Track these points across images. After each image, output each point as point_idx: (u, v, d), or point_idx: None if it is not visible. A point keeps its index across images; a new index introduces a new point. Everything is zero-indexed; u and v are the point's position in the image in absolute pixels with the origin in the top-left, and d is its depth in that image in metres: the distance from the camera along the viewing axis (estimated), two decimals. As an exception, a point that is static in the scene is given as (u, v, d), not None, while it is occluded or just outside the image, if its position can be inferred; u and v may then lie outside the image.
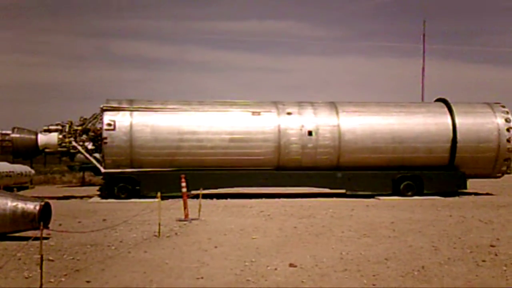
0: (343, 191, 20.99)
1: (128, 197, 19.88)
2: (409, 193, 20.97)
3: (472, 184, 22.37)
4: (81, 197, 20.81)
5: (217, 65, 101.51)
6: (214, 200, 19.22)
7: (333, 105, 21.53)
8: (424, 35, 56.99)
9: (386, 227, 13.75)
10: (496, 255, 10.57)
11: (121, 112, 20.28)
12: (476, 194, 22.26)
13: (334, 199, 20.18)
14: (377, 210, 17.29)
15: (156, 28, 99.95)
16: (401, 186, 21.06)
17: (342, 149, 20.81)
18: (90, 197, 20.79)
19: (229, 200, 19.54)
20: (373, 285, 8.50)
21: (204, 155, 20.29)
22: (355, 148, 20.90)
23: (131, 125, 20.09)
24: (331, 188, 21.06)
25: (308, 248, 11.07)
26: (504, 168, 22.33)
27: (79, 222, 14.58)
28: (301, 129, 20.64)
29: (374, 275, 9.01)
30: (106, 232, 12.54)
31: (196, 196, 15.80)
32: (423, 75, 55.60)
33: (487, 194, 22.57)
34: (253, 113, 20.81)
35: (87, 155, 20.68)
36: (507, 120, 21.82)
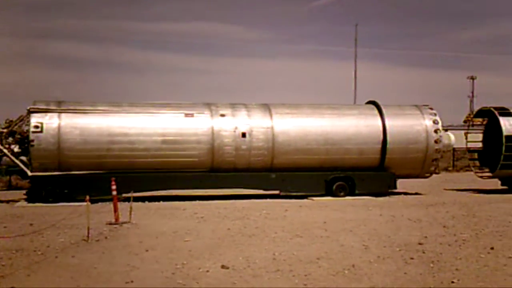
0: (277, 192, 21.06)
1: (56, 200, 19.28)
2: (342, 194, 21.24)
3: (402, 184, 22.88)
4: (7, 201, 20.04)
5: (149, 66, 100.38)
6: (146, 203, 18.91)
7: (267, 107, 21.57)
8: (356, 39, 58.32)
9: (318, 227, 13.89)
10: (423, 252, 10.83)
11: (49, 114, 19.66)
12: (405, 193, 22.78)
13: (268, 200, 20.23)
14: (310, 210, 17.45)
15: (85, 29, 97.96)
16: (334, 186, 21.30)
17: (276, 151, 20.88)
18: (16, 201, 20.05)
19: (161, 202, 19.27)
20: (305, 284, 8.54)
21: (136, 157, 19.91)
22: (288, 150, 21.00)
23: (59, 127, 19.49)
24: (265, 190, 21.09)
25: (241, 250, 11.06)
26: (433, 169, 22.92)
27: (5, 227, 14.04)
28: (234, 131, 20.57)
29: (305, 275, 9.08)
30: (32, 237, 12.15)
31: (128, 199, 15.48)
32: (355, 77, 56.86)
33: (416, 193, 23.14)
34: (186, 114, 20.58)
35: (14, 158, 19.94)
36: (434, 122, 22.40)
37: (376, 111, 22.35)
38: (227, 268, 9.50)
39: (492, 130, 24.70)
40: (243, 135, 20.59)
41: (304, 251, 10.98)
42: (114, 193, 14.80)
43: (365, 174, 21.70)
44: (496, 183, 24.92)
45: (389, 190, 22.08)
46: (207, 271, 9.30)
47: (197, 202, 19.48)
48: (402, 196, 22.16)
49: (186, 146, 20.24)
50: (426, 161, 22.26)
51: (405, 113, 22.61)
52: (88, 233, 12.14)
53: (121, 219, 14.35)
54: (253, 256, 10.46)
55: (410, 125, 22.21)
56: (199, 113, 20.68)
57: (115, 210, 14.42)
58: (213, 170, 20.62)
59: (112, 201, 14.74)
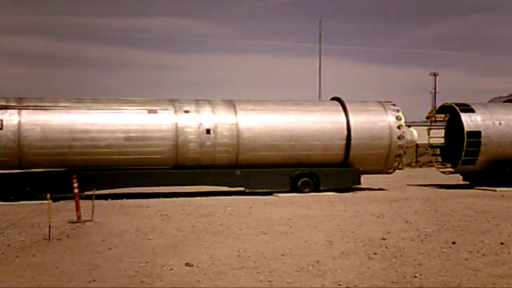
0: (242, 188, 21.04)
1: (17, 199, 18.91)
2: (306, 190, 21.33)
3: (366, 180, 23.09)
4: (-34, 201, 19.57)
5: (113, 62, 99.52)
6: (109, 200, 18.67)
7: (231, 103, 21.51)
8: (320, 35, 58.67)
9: (283, 224, 13.89)
10: (386, 247, 10.91)
11: (8, 111, 19.25)
12: (369, 189, 22.99)
13: (233, 197, 20.19)
14: (275, 207, 17.45)
15: (51, 24, 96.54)
16: (299, 183, 21.38)
17: (241, 147, 20.83)
18: (-25, 200, 19.60)
19: (125, 200, 19.05)
20: (269, 281, 8.51)
21: (98, 155, 19.64)
22: (253, 146, 20.98)
23: (19, 124, 19.10)
24: (230, 186, 21.05)
25: (205, 247, 11.00)
26: (396, 164, 23.18)
27: (-38, 227, 13.68)
28: (199, 127, 20.45)
29: (270, 271, 9.06)
30: (-8, 236, 11.87)
31: (90, 197, 15.25)
32: (319, 74, 57.22)
33: (380, 189, 23.37)
34: (149, 111, 20.38)
35: (-28, 156, 19.48)
36: (397, 118, 22.64)
37: (340, 108, 22.48)
38: (191, 265, 9.43)
39: (454, 126, 25.09)
40: (208, 131, 20.49)
41: (269, 247, 10.96)
42: (76, 191, 14.57)
43: (329, 170, 21.82)
44: (458, 178, 25.34)
45: (353, 186, 22.24)
46: (171, 269, 9.19)
47: (161, 199, 19.32)
48: (366, 191, 22.35)
49: (150, 142, 20.05)
50: (390, 157, 22.49)
51: (369, 109, 22.81)
52: (50, 232, 11.91)
53: (83, 218, 14.13)
54: (218, 253, 10.40)
55: (373, 121, 22.41)
56: (162, 109, 20.50)
57: (77, 208, 14.19)
58: (177, 167, 20.48)
59: (74, 199, 14.50)
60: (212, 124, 20.62)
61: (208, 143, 20.46)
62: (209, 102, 21.36)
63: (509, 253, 10.40)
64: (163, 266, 9.32)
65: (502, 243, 11.24)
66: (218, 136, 20.58)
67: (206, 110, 20.88)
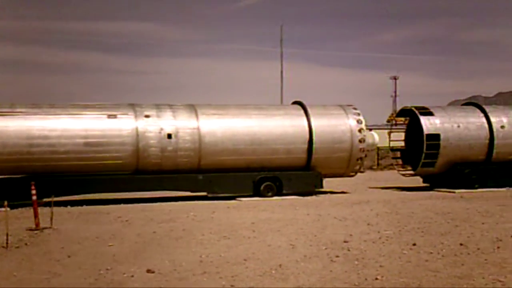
0: (204, 193, 20.91)
1: (-27, 207, 18.41)
2: (269, 194, 21.31)
3: (328, 183, 23.20)
4: None
5: (71, 67, 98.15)
6: (69, 207, 18.32)
7: (193, 108, 21.35)
8: (281, 39, 58.94)
9: (246, 228, 13.86)
10: (348, 250, 10.97)
11: (-36, 117, 18.74)
12: (332, 192, 23.11)
13: (196, 202, 20.05)
14: (238, 211, 17.40)
15: (15, 29, 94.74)
16: (261, 187, 21.34)
17: (203, 152, 20.70)
18: None
19: (84, 206, 18.72)
20: (231, 286, 8.48)
21: (57, 161, 19.23)
22: (215, 151, 20.87)
23: (-25, 131, 18.61)
24: (192, 191, 20.88)
25: (167, 253, 10.90)
26: (357, 167, 23.34)
27: None
28: (160, 132, 20.24)
29: (232, 276, 9.04)
30: None
31: (49, 204, 14.94)
32: (281, 78, 57.46)
33: (342, 192, 23.51)
34: (109, 116, 20.09)
35: None
36: (358, 122, 22.83)
37: (302, 111, 22.55)
38: (153, 272, 9.35)
39: (413, 129, 25.43)
40: (169, 136, 20.29)
41: (231, 252, 10.93)
42: (34, 197, 14.25)
43: (292, 174, 21.85)
44: (418, 181, 25.67)
45: (316, 189, 22.31)
46: (132, 276, 9.09)
47: (122, 205, 19.06)
48: (328, 195, 22.46)
49: (110, 148, 19.75)
50: (351, 160, 22.64)
51: (330, 113, 22.93)
52: (7, 239, 11.63)
53: (42, 225, 13.82)
54: (180, 259, 10.32)
55: (335, 125, 22.53)
56: (122, 114, 20.23)
57: (36, 215, 13.89)
58: (139, 172, 20.24)
59: (32, 206, 14.19)
60: (174, 129, 20.43)
61: (170, 148, 20.27)
62: (170, 106, 21.17)
63: (468, 254, 10.56)
64: (124, 273, 9.20)
65: (461, 244, 11.42)
66: (180, 140, 20.40)
67: (167, 115, 20.68)
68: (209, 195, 20.83)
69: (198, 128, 20.73)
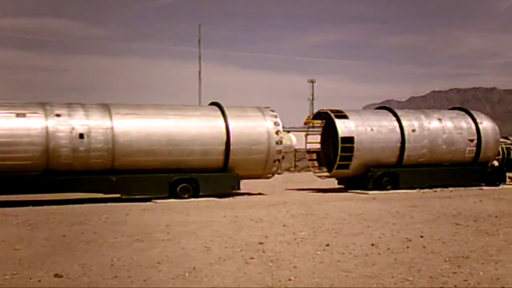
0: (118, 195, 20.42)
1: None
2: (186, 196, 21.07)
3: (246, 185, 23.22)
4: None
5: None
6: (-27, 210, 17.42)
7: (106, 107, 20.81)
8: (200, 40, 58.69)
9: (160, 231, 13.62)
10: (263, 252, 10.95)
11: None
12: (249, 194, 23.15)
13: (109, 204, 19.57)
14: (153, 213, 17.09)
15: None
16: (178, 188, 21.08)
17: (117, 152, 20.19)
18: None
19: (-9, 209, 17.86)
20: (142, 290, 8.25)
21: (-38, 161, 18.29)
22: (130, 151, 20.41)
23: None
24: (105, 193, 20.36)
25: (77, 257, 10.54)
26: (275, 169, 23.51)
27: None
28: (71, 132, 19.59)
29: (144, 280, 8.83)
30: None
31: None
32: (199, 78, 57.20)
33: (259, 194, 23.60)
34: (18, 114, 19.25)
35: None
36: (276, 124, 22.97)
37: (219, 113, 22.46)
38: (61, 276, 9.02)
39: (329, 131, 25.90)
40: (81, 136, 19.68)
41: (144, 255, 10.68)
42: None
43: (209, 175, 21.70)
44: (334, 182, 26.16)
45: (233, 191, 22.28)
46: (39, 280, 8.75)
47: (31, 207, 18.35)
48: (245, 196, 22.49)
49: (18, 148, 18.93)
50: (268, 162, 22.75)
51: (248, 114, 22.97)
52: None
53: None
54: (90, 263, 9.99)
55: (252, 126, 22.58)
56: (32, 113, 19.45)
57: None
58: (49, 173, 19.52)
59: None
60: (86, 129, 19.83)
61: (82, 148, 19.65)
62: (83, 105, 20.55)
63: (379, 254, 10.77)
64: (30, 278, 8.87)
65: (372, 244, 11.63)
66: (92, 141, 19.82)
67: (79, 114, 20.05)
68: (123, 197, 20.38)
69: (111, 128, 20.21)
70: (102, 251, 11.13)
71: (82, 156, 19.70)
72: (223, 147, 21.85)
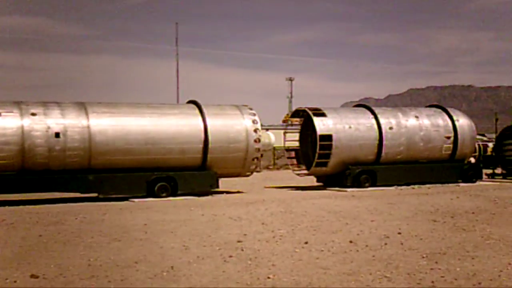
0: (95, 194, 20.24)
1: None
2: (164, 194, 20.96)
3: (224, 183, 23.17)
4: None
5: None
6: None
7: (82, 106, 20.59)
8: (177, 38, 58.40)
9: (138, 230, 13.52)
10: (242, 250, 10.92)
11: None
12: (227, 192, 23.10)
13: (86, 203, 19.39)
14: (131, 213, 16.95)
15: None
16: (156, 187, 20.95)
17: (93, 151, 19.99)
18: None
19: (-35, 209, 17.59)
20: (119, 290, 8.17)
21: None
22: (107, 150, 20.22)
23: None
24: (82, 192, 20.18)
25: (53, 257, 10.42)
26: (253, 167, 23.47)
27: None
28: (47, 131, 19.35)
29: (122, 280, 8.77)
30: None
31: None
32: (177, 77, 56.95)
33: (238, 192, 23.57)
34: (-8, 114, 19.00)
35: None
36: (254, 122, 22.94)
37: (197, 111, 22.37)
38: (37, 277, 8.94)
39: (307, 129, 25.94)
40: (57, 135, 19.46)
41: (122, 255, 10.59)
42: None
43: (187, 174, 21.61)
44: (312, 180, 26.21)
45: (212, 189, 22.22)
46: (15, 281, 8.64)
47: (6, 207, 18.09)
48: (224, 195, 22.43)
49: (-7, 147, 18.66)
50: (247, 160, 22.71)
51: (226, 113, 22.90)
52: None
53: None
54: (67, 263, 9.89)
55: (230, 124, 22.51)
56: (7, 112, 19.19)
57: None
58: (25, 172, 19.28)
59: None
60: (62, 128, 19.60)
61: (58, 147, 19.43)
62: (58, 104, 20.32)
63: (357, 251, 10.81)
64: (6, 279, 8.77)
65: (351, 242, 11.67)
66: (69, 140, 19.60)
67: (55, 113, 19.81)
68: (101, 196, 20.21)
69: (88, 127, 20.02)
70: (79, 251, 11.01)
71: (58, 155, 19.48)
72: (201, 145, 21.76)
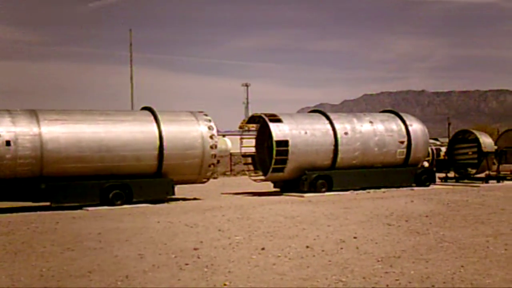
0: (48, 203, 19.79)
1: None
2: (119, 202, 20.63)
3: (181, 190, 22.97)
4: None
5: None
6: None
7: (34, 113, 20.12)
8: (131, 43, 57.70)
9: (92, 239, 13.26)
10: (198, 257, 10.81)
11: None
12: (184, 199, 22.91)
13: (38, 212, 18.94)
14: (84, 221, 16.65)
15: None
16: (110, 195, 20.61)
17: (45, 159, 19.54)
18: None
19: None
20: (72, 301, 7.97)
21: None
22: (59, 158, 19.80)
23: None
24: (34, 201, 19.69)
25: (3, 268, 10.17)
26: (210, 174, 23.32)
27: None
28: (-3, 139, 18.85)
29: (74, 291, 8.52)
30: None
31: None
32: (132, 83, 56.26)
33: (194, 199, 23.40)
34: None
35: None
36: (210, 128, 22.83)
37: (151, 117, 22.14)
38: (-15, 290, 8.59)
39: (264, 135, 25.97)
40: (7, 143, 18.96)
41: (75, 264, 10.37)
42: None
43: (142, 181, 21.34)
44: (269, 186, 26.22)
45: (168, 197, 22.00)
46: (-39, 295, 8.33)
47: (-45, 218, 17.49)
48: (180, 202, 22.24)
49: None
50: (203, 166, 22.56)
51: (181, 119, 22.73)
52: None
53: None
54: (18, 274, 9.65)
55: (186, 131, 22.35)
56: (-46, 120, 18.62)
57: None
58: (-26, 182, 18.70)
59: None
60: (12, 135, 19.10)
61: (8, 156, 18.93)
62: (9, 111, 19.81)
63: (314, 256, 10.83)
64: (-47, 292, 8.49)
65: (307, 247, 11.70)
66: (19, 148, 19.12)
67: (5, 121, 19.30)
68: (53, 205, 19.78)
69: (39, 135, 19.57)
70: (31, 261, 10.76)
71: (9, 163, 18.98)
72: (156, 152, 21.54)
